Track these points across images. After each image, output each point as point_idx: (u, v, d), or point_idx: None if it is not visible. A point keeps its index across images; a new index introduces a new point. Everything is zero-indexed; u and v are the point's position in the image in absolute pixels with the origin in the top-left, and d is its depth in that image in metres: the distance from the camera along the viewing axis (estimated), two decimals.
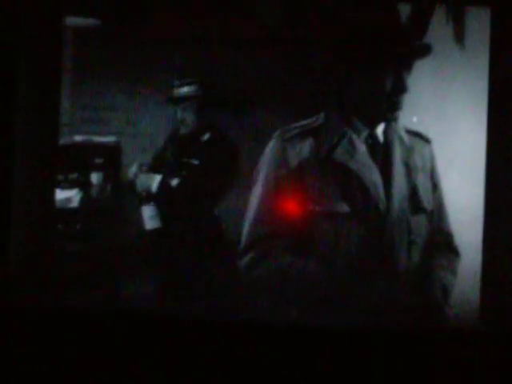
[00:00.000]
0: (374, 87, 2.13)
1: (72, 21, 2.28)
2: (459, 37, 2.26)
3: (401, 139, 2.20)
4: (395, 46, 2.14)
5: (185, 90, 2.28)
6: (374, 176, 2.14)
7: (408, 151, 2.20)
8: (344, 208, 2.13)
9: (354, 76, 2.16)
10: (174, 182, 2.25)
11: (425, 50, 2.17)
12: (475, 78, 2.26)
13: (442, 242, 2.23)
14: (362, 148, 2.16)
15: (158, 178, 2.25)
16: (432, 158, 2.24)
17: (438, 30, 2.23)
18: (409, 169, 2.19)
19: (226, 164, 2.25)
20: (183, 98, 2.28)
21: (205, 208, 2.24)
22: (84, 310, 2.23)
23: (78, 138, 2.31)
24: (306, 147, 2.16)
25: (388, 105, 2.14)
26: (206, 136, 2.30)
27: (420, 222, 2.19)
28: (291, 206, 2.15)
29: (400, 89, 2.12)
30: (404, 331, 2.21)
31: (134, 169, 2.26)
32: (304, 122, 2.19)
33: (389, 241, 2.15)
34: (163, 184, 2.26)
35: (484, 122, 2.26)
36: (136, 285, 2.25)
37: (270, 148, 2.18)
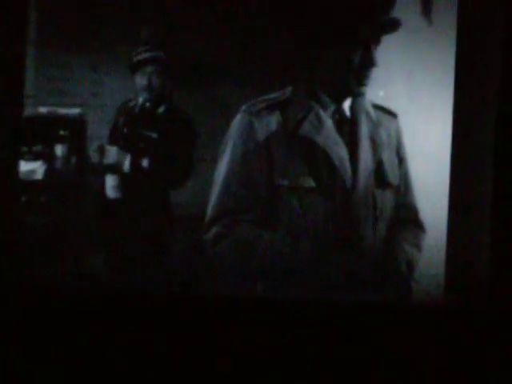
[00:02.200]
0: (343, 62, 2.12)
1: None
2: (427, 11, 2.26)
3: (367, 114, 2.20)
4: (364, 21, 2.12)
5: (148, 54, 2.26)
6: (340, 151, 2.14)
7: (374, 126, 2.20)
8: (310, 182, 2.13)
9: (322, 50, 2.15)
10: (145, 162, 2.23)
11: (394, 25, 2.16)
12: (442, 52, 2.26)
13: (407, 217, 2.24)
14: (328, 123, 2.15)
15: (127, 156, 2.22)
16: (398, 133, 2.24)
17: (406, 3, 2.23)
18: (375, 144, 2.19)
19: (183, 138, 2.23)
20: (146, 62, 2.25)
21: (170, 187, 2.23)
22: (46, 284, 2.22)
23: (42, 109, 2.29)
24: (272, 121, 2.15)
25: (356, 79, 2.13)
26: (162, 108, 2.27)
27: (386, 197, 2.19)
28: (257, 180, 2.14)
29: (369, 63, 2.11)
30: (368, 305, 2.22)
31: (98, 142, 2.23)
32: (271, 96, 2.18)
33: (354, 215, 2.15)
34: (134, 163, 2.23)
35: (451, 95, 2.26)
36: (98, 258, 2.24)
37: (237, 122, 2.16)
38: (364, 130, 2.18)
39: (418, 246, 2.23)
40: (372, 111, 2.21)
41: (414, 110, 2.26)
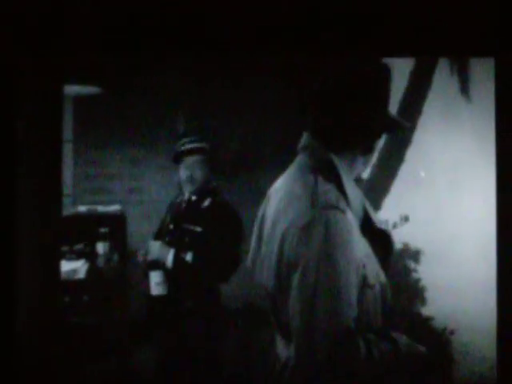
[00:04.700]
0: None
1: (71, 89, 2.24)
2: (465, 89, 2.23)
3: None
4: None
5: (192, 144, 2.21)
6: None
7: None
8: None
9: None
10: (189, 256, 2.16)
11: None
12: (482, 128, 2.23)
13: None
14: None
15: (171, 250, 2.15)
16: None
17: (444, 83, 2.20)
18: None
19: (228, 231, 2.17)
20: (190, 152, 2.20)
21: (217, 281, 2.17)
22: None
23: (81, 208, 2.27)
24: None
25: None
26: (207, 201, 2.21)
27: None
28: None
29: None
30: None
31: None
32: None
33: None
34: (178, 258, 2.15)
35: (493, 170, 2.22)
36: (144, 354, 2.20)
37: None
38: None
39: None
40: None
41: (456, 191, 2.22)
